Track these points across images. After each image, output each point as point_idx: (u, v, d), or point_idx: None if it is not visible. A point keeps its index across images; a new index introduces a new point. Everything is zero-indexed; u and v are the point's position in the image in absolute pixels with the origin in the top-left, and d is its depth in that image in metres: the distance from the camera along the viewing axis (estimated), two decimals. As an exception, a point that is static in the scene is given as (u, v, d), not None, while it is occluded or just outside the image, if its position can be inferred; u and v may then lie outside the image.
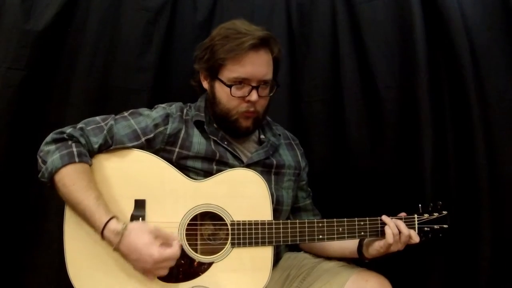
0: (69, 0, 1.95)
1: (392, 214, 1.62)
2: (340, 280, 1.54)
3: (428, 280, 1.89)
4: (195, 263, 1.49)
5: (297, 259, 1.74)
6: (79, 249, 1.46)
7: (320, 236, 1.53)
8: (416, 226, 1.60)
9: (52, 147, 1.48)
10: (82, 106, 1.97)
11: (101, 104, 1.98)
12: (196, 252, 1.50)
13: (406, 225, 1.56)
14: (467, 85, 1.83)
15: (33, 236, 1.95)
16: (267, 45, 1.60)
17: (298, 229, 1.52)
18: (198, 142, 1.61)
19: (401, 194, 1.93)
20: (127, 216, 1.47)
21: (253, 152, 1.68)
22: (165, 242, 1.39)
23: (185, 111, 1.67)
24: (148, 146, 1.57)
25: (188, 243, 1.49)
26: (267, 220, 1.51)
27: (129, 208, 1.48)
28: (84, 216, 1.42)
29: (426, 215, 1.62)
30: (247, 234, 1.49)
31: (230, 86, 1.57)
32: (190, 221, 1.50)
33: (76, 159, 1.45)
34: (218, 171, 1.57)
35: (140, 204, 1.49)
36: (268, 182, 1.59)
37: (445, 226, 1.63)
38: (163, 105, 1.68)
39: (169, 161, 1.56)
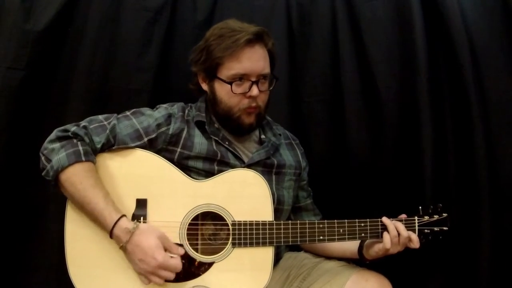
0: (69, 0, 1.95)
1: (393, 214, 1.62)
2: (340, 280, 1.55)
3: (428, 280, 1.90)
4: (196, 263, 1.49)
5: (297, 259, 1.74)
6: (79, 249, 1.46)
7: (321, 237, 1.53)
8: (417, 228, 1.61)
9: (56, 145, 1.48)
10: (82, 106, 1.97)
11: (101, 104, 1.98)
12: (197, 252, 1.50)
13: (406, 227, 1.57)
14: (467, 85, 1.83)
15: (33, 236, 1.94)
16: (261, 40, 1.62)
17: (298, 230, 1.52)
18: (199, 142, 1.61)
19: (401, 194, 1.93)
20: (128, 216, 1.46)
21: (254, 152, 1.68)
22: (170, 251, 1.42)
23: (186, 111, 1.67)
24: (150, 146, 1.57)
25: (189, 243, 1.49)
26: (268, 221, 1.51)
27: (131, 208, 1.48)
28: (92, 215, 1.43)
29: (426, 217, 1.62)
30: (248, 234, 1.50)
31: (230, 83, 1.58)
32: (191, 221, 1.50)
33: (83, 158, 1.45)
34: (220, 171, 1.57)
35: (141, 204, 1.49)
36: (269, 182, 1.59)
37: (445, 228, 1.63)
38: (165, 105, 1.68)
39: (171, 161, 1.56)
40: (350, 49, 2.06)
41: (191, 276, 1.48)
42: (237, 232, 1.50)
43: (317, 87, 2.13)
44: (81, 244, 1.47)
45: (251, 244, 1.50)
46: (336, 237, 1.54)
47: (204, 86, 1.70)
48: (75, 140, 1.49)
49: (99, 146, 1.50)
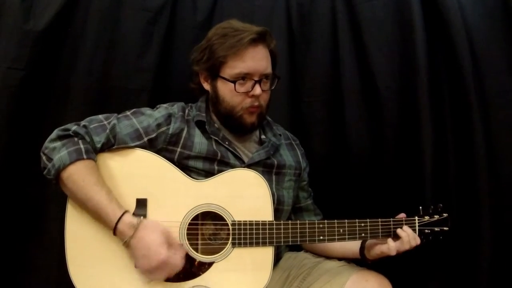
0: (69, 0, 1.95)
1: (392, 214, 1.63)
2: (340, 280, 1.55)
3: (428, 280, 1.89)
4: (196, 262, 1.49)
5: (297, 259, 1.75)
6: (80, 248, 1.47)
7: (321, 237, 1.54)
8: (417, 228, 1.61)
9: (58, 143, 1.48)
10: (82, 106, 1.96)
11: (101, 104, 1.98)
12: (197, 251, 1.51)
13: None
14: (467, 85, 1.82)
15: (33, 236, 1.94)
16: (264, 40, 1.63)
17: (298, 230, 1.53)
18: (199, 142, 1.61)
19: (401, 193, 1.93)
20: (129, 215, 1.47)
21: (254, 152, 1.68)
22: (173, 247, 1.42)
23: (186, 111, 1.68)
24: (150, 145, 1.57)
25: (189, 243, 1.49)
26: (268, 221, 1.51)
27: (131, 207, 1.48)
28: (95, 212, 1.43)
29: (426, 217, 1.63)
30: (248, 234, 1.50)
31: (234, 82, 1.58)
32: (191, 220, 1.50)
33: (84, 156, 1.45)
34: (220, 171, 1.57)
35: (141, 203, 1.49)
36: (269, 182, 1.59)
37: (445, 228, 1.63)
38: (165, 105, 1.68)
39: (171, 160, 1.57)
40: (350, 49, 2.06)
41: (191, 276, 1.48)
42: (237, 232, 1.50)
43: (317, 87, 2.13)
44: (81, 243, 1.47)
45: (251, 244, 1.50)
46: (336, 237, 1.54)
47: (206, 86, 1.70)
48: (76, 139, 1.49)
49: (99, 145, 1.50)
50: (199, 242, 1.53)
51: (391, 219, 1.59)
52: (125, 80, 2.03)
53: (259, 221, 1.50)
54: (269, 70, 1.65)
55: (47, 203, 1.93)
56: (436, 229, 1.62)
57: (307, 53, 2.15)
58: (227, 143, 1.65)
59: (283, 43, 2.12)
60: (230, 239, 1.50)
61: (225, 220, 1.51)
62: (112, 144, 1.53)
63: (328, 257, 1.73)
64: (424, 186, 1.87)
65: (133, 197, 1.49)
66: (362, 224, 1.56)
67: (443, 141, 1.91)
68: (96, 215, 1.44)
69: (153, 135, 1.57)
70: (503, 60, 1.85)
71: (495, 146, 1.83)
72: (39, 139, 1.55)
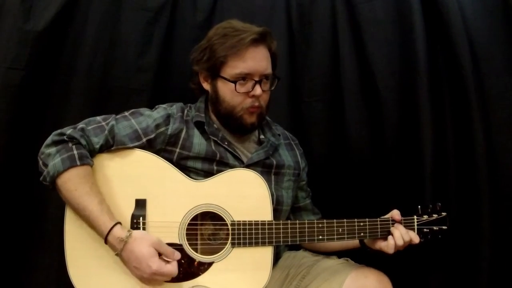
0: (69, 0, 1.95)
1: (392, 214, 1.63)
2: (339, 277, 1.54)
3: (428, 279, 1.89)
4: (195, 262, 1.49)
5: (296, 258, 1.75)
6: (79, 249, 1.47)
7: (320, 237, 1.54)
8: (416, 227, 1.61)
9: (52, 149, 1.48)
10: (82, 106, 1.97)
11: (101, 104, 1.98)
12: (196, 252, 1.50)
13: (405, 226, 1.59)
14: (467, 85, 1.82)
15: (33, 236, 1.94)
16: (265, 40, 1.63)
17: (298, 230, 1.53)
18: (198, 142, 1.61)
19: (401, 193, 1.93)
20: (127, 216, 1.47)
21: (253, 152, 1.68)
22: (165, 256, 1.41)
23: (185, 111, 1.67)
24: (149, 146, 1.57)
25: (188, 243, 1.49)
26: (267, 220, 1.51)
27: (130, 208, 1.48)
28: (88, 221, 1.43)
29: (425, 217, 1.63)
30: (247, 234, 1.50)
31: (234, 82, 1.58)
32: (190, 221, 1.50)
33: (78, 162, 1.45)
34: (219, 171, 1.57)
35: (140, 204, 1.49)
36: (268, 182, 1.59)
37: (444, 227, 1.63)
38: (164, 106, 1.68)
39: (170, 161, 1.57)
40: (350, 49, 2.06)
41: (190, 276, 1.48)
42: (236, 232, 1.50)
43: (317, 87, 2.13)
44: (80, 244, 1.47)
45: (251, 244, 1.50)
46: (335, 236, 1.54)
47: (206, 86, 1.70)
48: (70, 144, 1.48)
49: (97, 146, 1.50)
50: (199, 242, 1.53)
51: (390, 218, 1.60)
52: (125, 80, 2.03)
53: (258, 221, 1.50)
54: (269, 70, 1.65)
55: (47, 203, 1.92)
56: (435, 228, 1.62)
57: (307, 53, 2.16)
58: (226, 143, 1.65)
59: (283, 43, 2.12)
60: (230, 239, 1.50)
61: (225, 220, 1.51)
62: (111, 145, 1.53)
63: (328, 252, 1.74)
64: (424, 185, 1.87)
65: (132, 197, 1.49)
66: (361, 224, 1.56)
67: (443, 141, 1.91)
68: (89, 224, 1.44)
69: (152, 136, 1.57)
70: (503, 60, 1.84)
71: (495, 146, 1.83)
72: (39, 139, 1.55)
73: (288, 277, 1.68)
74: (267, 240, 1.50)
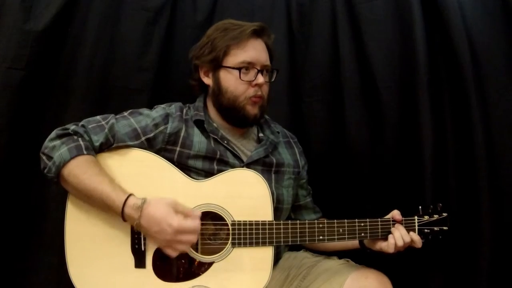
0: (69, 0, 1.95)
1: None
2: (340, 278, 1.55)
3: (428, 279, 1.89)
4: (196, 262, 1.49)
5: (297, 258, 1.75)
6: (80, 248, 1.47)
7: (321, 237, 1.54)
8: (416, 227, 1.61)
9: (57, 142, 1.48)
10: (82, 106, 1.96)
11: (101, 104, 1.97)
12: (197, 251, 1.50)
13: (406, 227, 1.59)
14: (467, 85, 1.83)
15: (33, 236, 1.94)
16: (263, 34, 1.68)
17: (298, 230, 1.53)
18: (198, 141, 1.61)
19: (401, 193, 1.93)
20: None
21: (253, 150, 1.69)
22: (185, 214, 1.40)
23: (184, 111, 1.68)
24: (149, 145, 1.57)
25: (189, 243, 1.49)
26: (268, 221, 1.51)
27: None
28: (100, 201, 1.42)
29: (426, 217, 1.63)
30: (248, 234, 1.50)
31: (238, 69, 1.61)
32: (191, 220, 1.50)
33: (85, 152, 1.46)
34: (219, 171, 1.57)
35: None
36: (269, 181, 1.59)
37: (445, 228, 1.64)
38: (162, 105, 1.69)
39: (171, 160, 1.57)
40: (350, 49, 2.06)
41: (190, 276, 1.49)
42: (236, 232, 1.50)
43: (317, 87, 2.13)
44: (81, 244, 1.47)
45: (251, 244, 1.50)
46: (336, 236, 1.55)
47: (207, 80, 1.71)
48: (75, 137, 1.50)
49: (97, 144, 1.50)
50: (199, 242, 1.52)
51: (391, 218, 1.60)
52: (125, 80, 2.03)
53: (258, 221, 1.50)
54: (268, 62, 1.68)
55: (47, 203, 1.92)
56: (435, 228, 1.62)
57: (307, 53, 2.16)
58: (225, 142, 1.65)
59: (283, 43, 2.12)
60: (230, 239, 1.50)
61: (225, 220, 1.51)
62: (111, 144, 1.53)
63: (328, 252, 1.75)
64: (424, 186, 1.87)
65: (132, 197, 1.49)
66: (362, 224, 1.56)
67: (443, 141, 1.91)
68: (102, 204, 1.43)
69: (151, 135, 1.57)
70: (503, 60, 1.85)
71: (495, 146, 1.83)
72: (39, 139, 1.55)
73: (288, 277, 1.68)
74: (267, 240, 1.50)
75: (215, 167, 1.59)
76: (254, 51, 1.63)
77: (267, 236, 1.50)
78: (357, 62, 2.06)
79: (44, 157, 1.49)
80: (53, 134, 1.52)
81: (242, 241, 1.50)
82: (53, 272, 1.90)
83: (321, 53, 2.13)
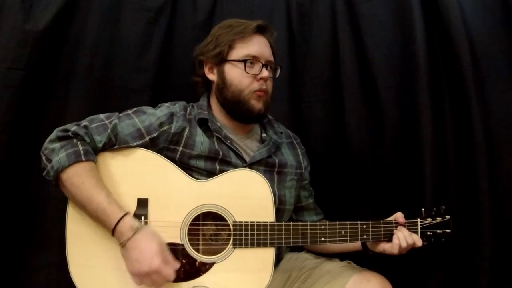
0: (69, 0, 1.94)
1: (392, 213, 1.63)
2: (341, 280, 1.55)
3: (429, 280, 1.89)
4: (197, 263, 1.49)
5: (298, 260, 1.75)
6: (81, 248, 1.47)
7: (322, 238, 1.53)
8: (419, 230, 1.61)
9: (57, 145, 1.48)
10: (82, 106, 1.96)
11: (101, 104, 1.97)
12: (198, 252, 1.51)
13: (409, 229, 1.59)
14: (467, 85, 1.83)
15: (33, 236, 1.94)
16: (267, 31, 1.71)
17: (300, 231, 1.52)
18: (201, 141, 1.61)
19: (401, 193, 1.94)
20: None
21: (256, 151, 1.69)
22: (167, 261, 1.40)
23: (188, 110, 1.68)
24: (152, 145, 1.57)
25: (190, 243, 1.49)
26: (269, 222, 1.51)
27: (132, 207, 1.48)
28: (94, 214, 1.42)
29: (429, 220, 1.63)
30: (249, 235, 1.50)
31: (244, 61, 1.62)
32: (192, 220, 1.50)
33: (83, 158, 1.45)
34: (221, 171, 1.57)
35: (142, 203, 1.49)
36: (271, 181, 1.60)
37: (447, 231, 1.63)
38: (166, 104, 1.68)
39: (173, 160, 1.57)
40: (350, 49, 2.07)
41: (191, 276, 1.48)
42: (238, 232, 1.50)
43: (317, 87, 2.14)
44: (82, 243, 1.47)
45: (252, 245, 1.50)
46: (338, 238, 1.54)
47: (211, 76, 1.72)
48: (75, 140, 1.48)
49: (100, 145, 1.50)
50: (200, 242, 1.53)
51: (394, 221, 1.59)
52: (125, 80, 2.03)
53: (260, 222, 1.50)
54: (272, 58, 1.70)
55: (47, 203, 1.92)
56: (438, 231, 1.62)
57: (307, 53, 2.16)
58: (229, 141, 1.65)
59: (283, 43, 2.12)
60: (231, 239, 1.50)
61: (227, 221, 1.51)
62: (114, 144, 1.52)
63: (330, 253, 1.74)
64: (424, 186, 1.87)
65: (134, 196, 1.49)
66: (364, 226, 1.56)
67: (443, 141, 1.91)
68: (95, 216, 1.43)
69: (155, 134, 1.57)
70: (503, 60, 1.85)
71: (495, 146, 1.83)
72: (39, 139, 1.55)
73: (289, 279, 1.68)
74: (269, 241, 1.50)
75: (217, 167, 1.59)
76: (259, 45, 1.66)
77: (268, 237, 1.50)
78: (357, 62, 2.06)
79: (43, 158, 1.49)
80: (53, 135, 1.51)
81: (243, 241, 1.49)
82: (53, 272, 1.90)
83: (321, 53, 2.14)
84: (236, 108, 1.66)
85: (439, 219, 1.63)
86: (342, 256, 1.74)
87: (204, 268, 1.49)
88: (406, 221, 1.60)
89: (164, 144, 1.59)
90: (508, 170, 1.82)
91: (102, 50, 2.01)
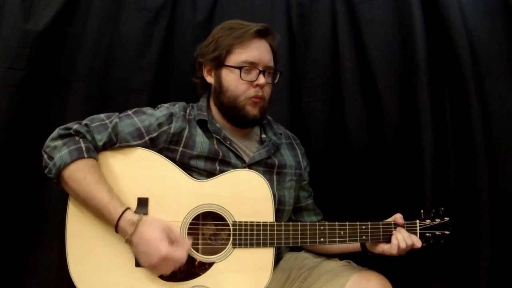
0: (69, 0, 1.94)
1: (392, 214, 1.63)
2: (341, 280, 1.55)
3: (429, 280, 1.89)
4: (196, 262, 1.49)
5: (298, 259, 1.75)
6: (81, 246, 1.47)
7: (322, 239, 1.54)
8: (418, 231, 1.61)
9: (59, 142, 1.48)
10: (82, 106, 1.96)
11: (101, 104, 1.98)
12: (198, 251, 1.51)
13: (408, 230, 1.59)
14: (467, 85, 1.82)
15: (33, 236, 1.94)
16: (268, 35, 1.68)
17: (299, 231, 1.53)
18: (201, 141, 1.61)
19: (401, 194, 1.93)
20: (129, 214, 1.47)
21: (255, 151, 1.69)
22: (176, 242, 1.40)
23: (188, 110, 1.68)
24: (152, 145, 1.57)
25: (189, 243, 1.49)
26: (269, 222, 1.51)
27: (132, 206, 1.47)
28: (96, 210, 1.43)
29: (428, 221, 1.63)
30: (249, 235, 1.50)
31: (240, 68, 1.61)
32: (192, 220, 1.50)
33: (85, 154, 1.45)
34: (221, 171, 1.58)
35: (142, 203, 1.49)
36: (270, 182, 1.60)
37: (446, 232, 1.64)
38: (166, 105, 1.68)
39: (173, 160, 1.57)
40: (350, 49, 2.06)
41: (191, 276, 1.48)
42: (237, 232, 1.50)
43: (317, 87, 2.14)
44: (82, 242, 1.47)
45: (252, 245, 1.50)
46: (337, 239, 1.54)
47: (209, 79, 1.72)
48: (77, 138, 1.49)
49: (100, 144, 1.50)
50: (200, 242, 1.53)
51: (393, 222, 1.59)
52: (125, 80, 2.03)
53: (259, 222, 1.50)
54: (272, 63, 1.69)
55: (47, 202, 1.92)
56: (437, 233, 1.62)
57: (307, 53, 2.16)
58: (228, 142, 1.65)
59: (283, 43, 2.12)
60: (231, 239, 1.50)
61: (226, 221, 1.51)
62: (114, 143, 1.53)
63: (329, 254, 1.74)
64: (424, 186, 1.87)
65: (134, 196, 1.49)
66: (363, 227, 1.56)
67: (443, 141, 1.91)
68: (98, 213, 1.44)
69: (155, 134, 1.57)
70: (503, 60, 1.84)
71: (495, 146, 1.83)
72: (40, 139, 1.55)
73: (289, 279, 1.68)
74: (268, 242, 1.50)
75: (217, 167, 1.59)
76: (258, 51, 1.64)
77: (268, 237, 1.50)
78: (357, 62, 2.06)
79: (45, 156, 1.49)
80: (55, 133, 1.51)
81: (243, 241, 1.50)
82: (53, 272, 1.90)
83: (321, 53, 2.14)
84: (232, 113, 1.66)
85: (438, 220, 1.63)
86: (342, 255, 1.74)
87: (203, 267, 1.49)
88: (405, 222, 1.60)
89: (164, 145, 1.59)
90: (508, 170, 1.82)
91: (102, 50, 2.01)
